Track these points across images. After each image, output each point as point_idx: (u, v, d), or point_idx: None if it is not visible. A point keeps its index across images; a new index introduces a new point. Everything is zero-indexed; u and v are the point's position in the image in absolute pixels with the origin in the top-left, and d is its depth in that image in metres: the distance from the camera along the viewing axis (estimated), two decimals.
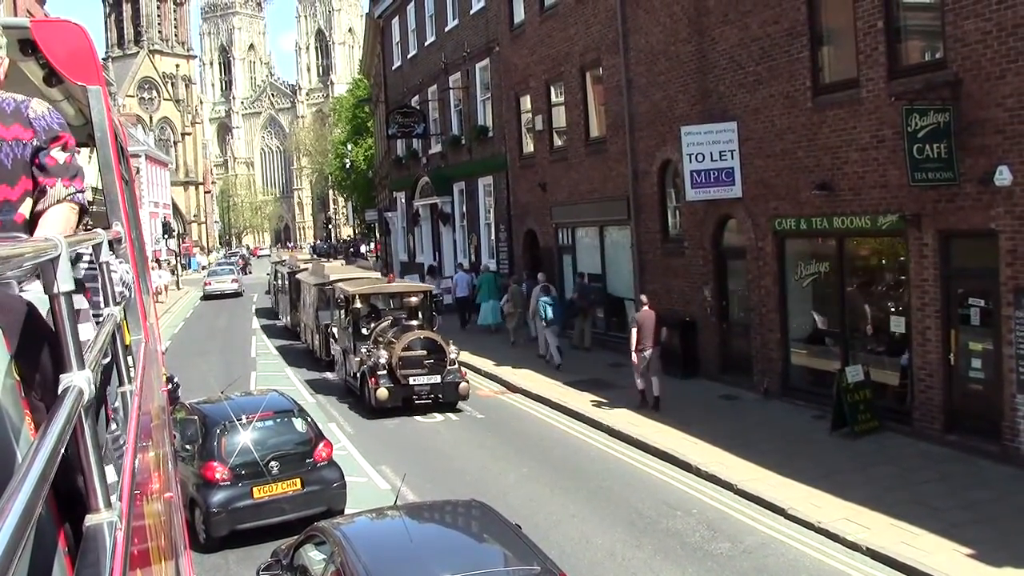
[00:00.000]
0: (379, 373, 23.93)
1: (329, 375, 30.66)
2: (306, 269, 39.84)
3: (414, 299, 26.89)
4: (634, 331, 22.27)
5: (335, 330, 29.47)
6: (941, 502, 14.73)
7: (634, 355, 22.04)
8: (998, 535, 13.23)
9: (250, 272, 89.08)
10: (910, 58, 18.22)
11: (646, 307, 22.71)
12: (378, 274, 37.97)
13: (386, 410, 24.04)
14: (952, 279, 17.27)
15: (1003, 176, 15.52)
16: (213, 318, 51.45)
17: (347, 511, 15.71)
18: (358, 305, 27.22)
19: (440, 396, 24.04)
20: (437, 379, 23.97)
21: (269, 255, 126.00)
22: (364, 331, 26.69)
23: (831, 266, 20.49)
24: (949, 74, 16.47)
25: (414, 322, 25.87)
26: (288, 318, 42.62)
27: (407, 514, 11.38)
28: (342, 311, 27.91)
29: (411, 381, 23.81)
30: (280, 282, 46.75)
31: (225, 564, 15.07)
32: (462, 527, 11.50)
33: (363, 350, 25.46)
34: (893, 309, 18.94)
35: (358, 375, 25.51)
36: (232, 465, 15.67)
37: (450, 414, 24.22)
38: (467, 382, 24.57)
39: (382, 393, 23.60)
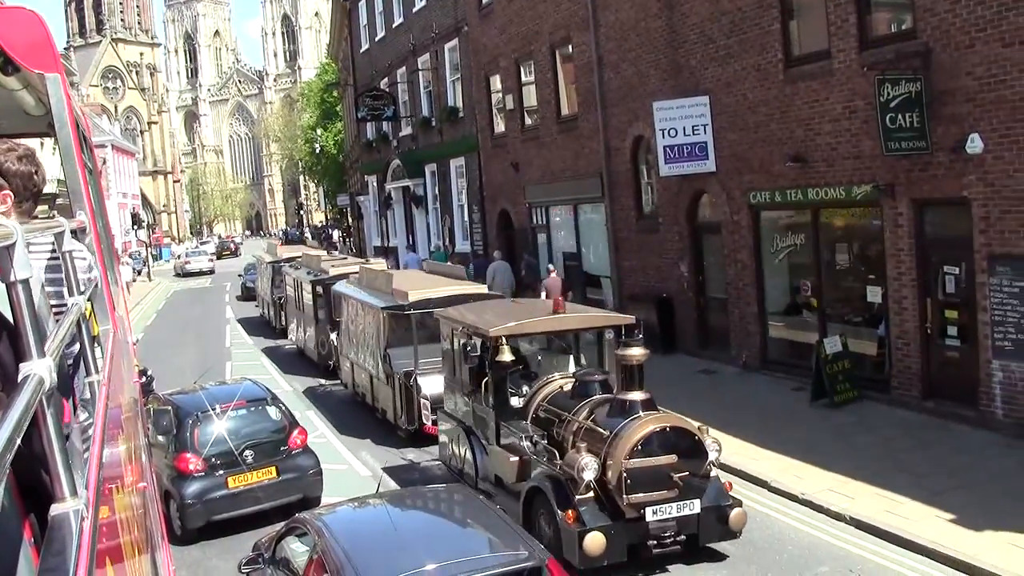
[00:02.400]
0: (580, 497, 12.48)
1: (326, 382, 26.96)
2: (345, 274, 27.68)
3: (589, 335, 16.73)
4: (543, 295, 25.11)
5: (459, 399, 16.70)
6: (922, 469, 14.83)
7: None
8: (978, 500, 13.34)
9: (240, 254, 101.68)
10: (881, 29, 18.27)
11: (553, 274, 28.26)
12: (421, 273, 27.79)
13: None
14: (927, 248, 17.36)
15: (974, 144, 15.61)
16: (187, 308, 51.12)
17: (329, 500, 15.66)
18: (506, 357, 14.75)
19: (697, 535, 12.74)
20: (695, 507, 12.54)
21: (241, 243, 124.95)
22: (515, 399, 15.61)
23: (807, 238, 20.55)
24: (919, 44, 16.52)
25: (596, 376, 14.62)
26: (311, 347, 30.11)
27: (389, 502, 11.34)
28: (468, 365, 16.02)
29: (648, 514, 12.32)
30: (295, 295, 32.41)
31: (204, 557, 15.01)
32: (446, 513, 11.44)
33: (528, 443, 13.93)
34: (869, 279, 19.01)
35: (525, 492, 13.55)
36: (206, 455, 15.59)
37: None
38: (742, 506, 12.99)
39: (594, 543, 11.97)
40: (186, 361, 31.36)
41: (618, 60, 26.75)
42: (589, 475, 12.29)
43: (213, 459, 15.62)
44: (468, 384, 16.10)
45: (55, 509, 2.33)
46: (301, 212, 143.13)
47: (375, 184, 55.94)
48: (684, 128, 22.79)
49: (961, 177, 16.04)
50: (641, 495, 12.20)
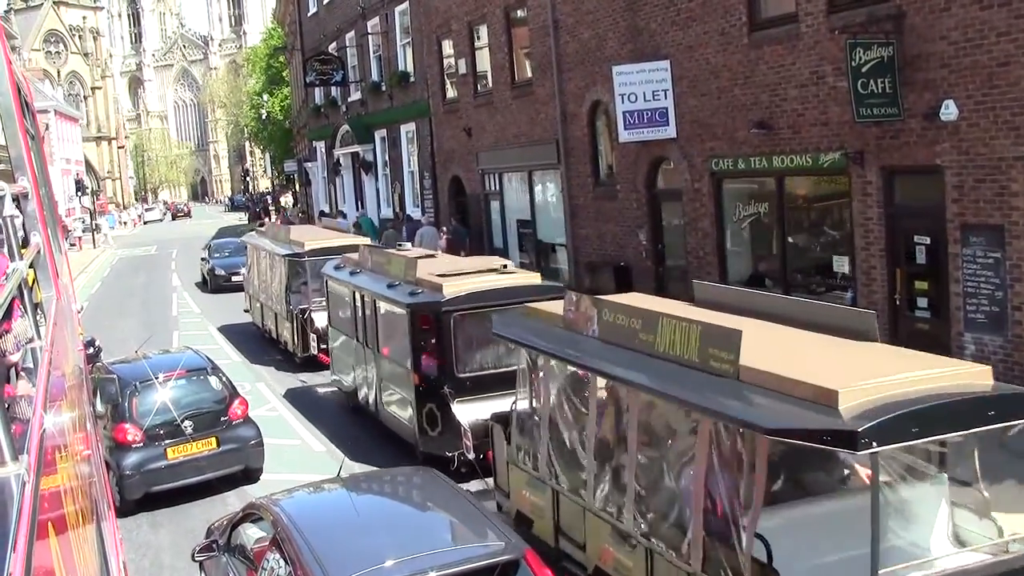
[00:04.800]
0: None
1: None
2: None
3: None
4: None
5: None
6: None
7: None
8: None
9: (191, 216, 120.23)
10: None
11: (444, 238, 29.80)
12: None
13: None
14: (897, 217, 16.95)
15: (948, 111, 15.21)
16: (131, 276, 50.24)
17: (282, 476, 15.28)
18: None
19: None
20: None
21: (185, 212, 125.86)
22: None
23: (771, 206, 20.09)
24: (892, 6, 16.08)
25: None
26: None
27: (349, 487, 10.76)
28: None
29: None
30: (366, 324, 18.94)
31: (136, 527, 14.85)
32: (412, 499, 10.84)
33: None
34: (836, 249, 18.59)
35: None
36: (144, 426, 15.45)
37: None
38: None
39: None
40: (130, 329, 30.76)
41: (575, 23, 26.13)
42: None
43: (152, 430, 15.48)
44: None
45: None
46: (247, 179, 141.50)
47: (323, 150, 55.20)
48: (644, 93, 22.25)
49: (934, 145, 15.62)
50: None
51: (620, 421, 10.61)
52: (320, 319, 23.12)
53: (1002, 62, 14.41)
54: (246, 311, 31.62)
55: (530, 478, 12.25)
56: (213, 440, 15.79)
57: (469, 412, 15.09)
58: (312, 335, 23.91)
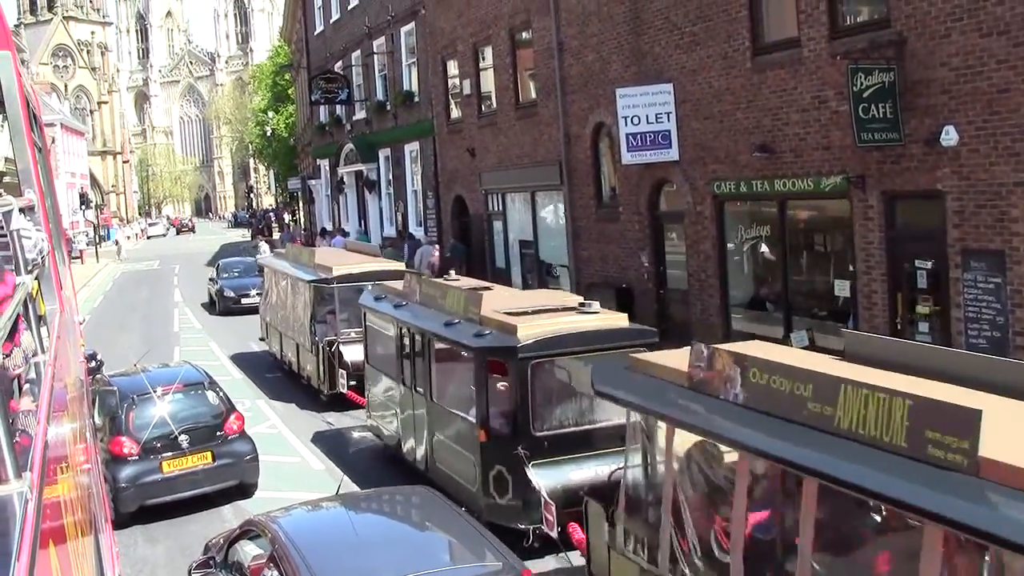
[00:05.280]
0: None
1: None
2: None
3: None
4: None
5: None
6: None
7: None
8: None
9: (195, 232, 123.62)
10: (852, 16, 17.88)
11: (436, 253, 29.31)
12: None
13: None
14: (898, 241, 16.96)
15: (949, 136, 15.23)
16: (134, 291, 50.29)
17: (281, 494, 15.28)
18: None
19: None
20: None
21: (189, 227, 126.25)
22: None
23: (772, 230, 20.11)
24: (893, 33, 16.11)
25: None
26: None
27: (348, 504, 10.75)
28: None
29: None
30: (425, 375, 16.57)
31: (132, 542, 14.84)
32: (410, 518, 10.82)
33: None
34: (837, 273, 18.61)
35: None
36: (140, 439, 15.55)
37: None
38: None
39: None
40: (131, 344, 30.72)
41: (579, 46, 26.22)
42: None
43: (148, 443, 15.57)
44: None
45: None
46: (251, 195, 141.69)
47: (327, 168, 55.24)
48: (647, 116, 22.30)
49: (935, 170, 15.65)
50: None
51: (781, 514, 8.97)
52: (350, 353, 21.37)
53: (1002, 88, 14.46)
54: (262, 339, 29.64)
55: (644, 574, 10.12)
56: (209, 454, 15.88)
57: (548, 477, 12.95)
58: (341, 371, 21.48)
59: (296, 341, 24.44)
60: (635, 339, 13.44)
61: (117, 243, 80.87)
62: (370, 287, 20.27)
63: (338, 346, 21.76)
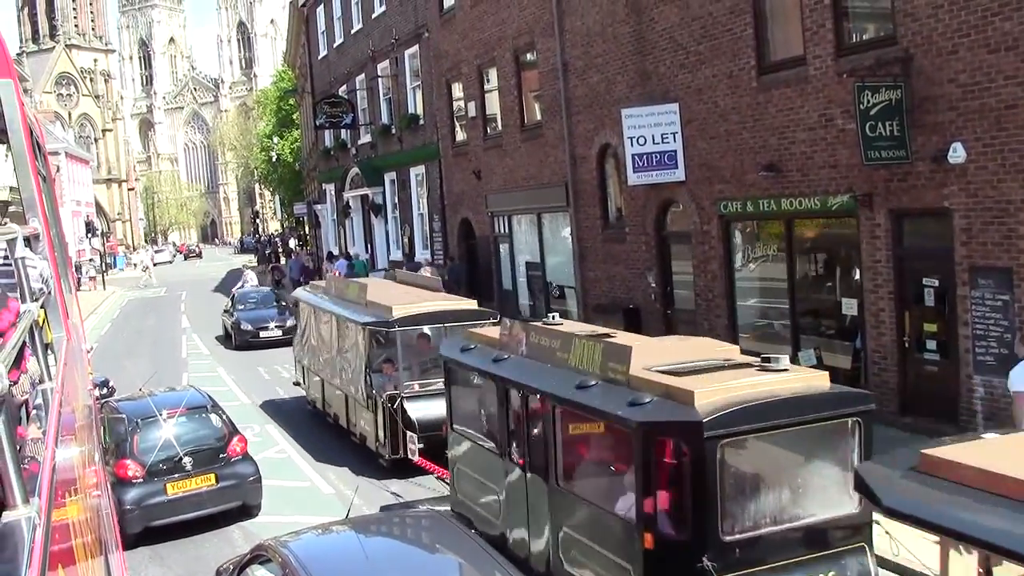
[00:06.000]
0: None
1: None
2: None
3: None
4: None
5: None
6: None
7: None
8: None
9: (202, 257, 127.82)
10: (858, 34, 17.91)
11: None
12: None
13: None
14: (905, 259, 16.96)
15: (957, 154, 15.24)
16: (141, 319, 50.31)
17: (296, 521, 15.22)
18: None
19: None
20: None
21: (196, 253, 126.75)
22: None
23: (779, 249, 20.11)
24: (899, 49, 16.13)
25: None
26: None
27: (360, 528, 10.68)
28: None
29: None
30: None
31: (138, 564, 14.80)
32: (421, 541, 10.71)
33: None
34: (845, 291, 18.59)
35: None
36: (145, 462, 15.70)
37: None
38: None
39: None
40: (138, 371, 30.61)
41: (584, 67, 26.27)
42: None
43: (152, 465, 15.72)
44: None
45: (7, 516, 2.36)
46: (257, 221, 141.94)
47: (333, 192, 55.34)
48: (653, 136, 22.33)
49: (942, 187, 15.64)
50: None
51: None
52: (417, 410, 17.80)
53: (1010, 104, 14.46)
54: (296, 384, 25.81)
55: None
56: (212, 476, 16.03)
57: None
58: (409, 433, 17.75)
59: (344, 392, 20.60)
60: (849, 406, 10.09)
61: (146, 268, 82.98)
62: (445, 332, 17.89)
63: (401, 402, 18.02)
